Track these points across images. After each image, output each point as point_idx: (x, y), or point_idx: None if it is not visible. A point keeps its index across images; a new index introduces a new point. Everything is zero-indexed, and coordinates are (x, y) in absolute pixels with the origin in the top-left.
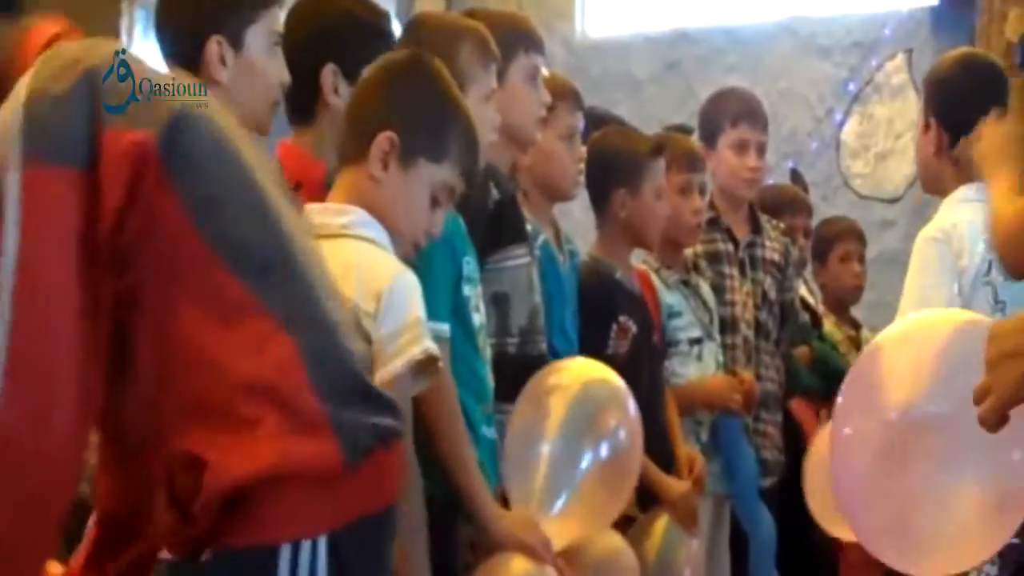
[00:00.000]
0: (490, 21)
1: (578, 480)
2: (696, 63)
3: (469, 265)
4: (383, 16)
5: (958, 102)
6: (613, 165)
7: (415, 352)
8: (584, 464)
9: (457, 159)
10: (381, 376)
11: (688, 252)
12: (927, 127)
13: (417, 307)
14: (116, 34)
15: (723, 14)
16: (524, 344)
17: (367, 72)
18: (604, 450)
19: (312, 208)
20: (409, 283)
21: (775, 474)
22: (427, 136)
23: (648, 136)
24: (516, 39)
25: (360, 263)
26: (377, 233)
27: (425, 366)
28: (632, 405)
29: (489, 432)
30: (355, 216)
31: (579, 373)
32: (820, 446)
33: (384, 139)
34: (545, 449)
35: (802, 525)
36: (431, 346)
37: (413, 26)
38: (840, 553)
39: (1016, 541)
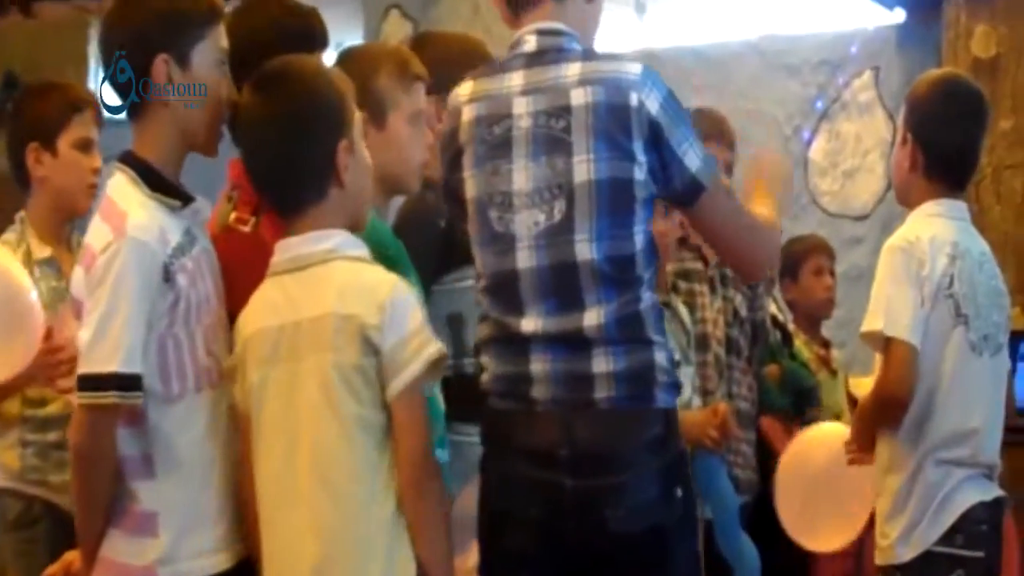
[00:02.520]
0: (442, 44)
1: None
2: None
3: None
4: (311, 15)
5: (934, 121)
6: None
7: (430, 353)
8: None
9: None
10: (400, 382)
11: (668, 272)
12: (904, 142)
13: (419, 312)
14: (84, 58)
15: (690, 35)
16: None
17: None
18: None
19: (291, 242)
20: (406, 291)
21: (749, 493)
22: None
23: None
24: (467, 63)
25: (359, 281)
26: (363, 251)
27: (435, 365)
28: None
29: (442, 454)
30: (339, 239)
31: None
32: (789, 462)
33: (342, 149)
34: None
35: (774, 541)
36: (440, 346)
37: (339, 60)
38: (813, 567)
39: (980, 554)
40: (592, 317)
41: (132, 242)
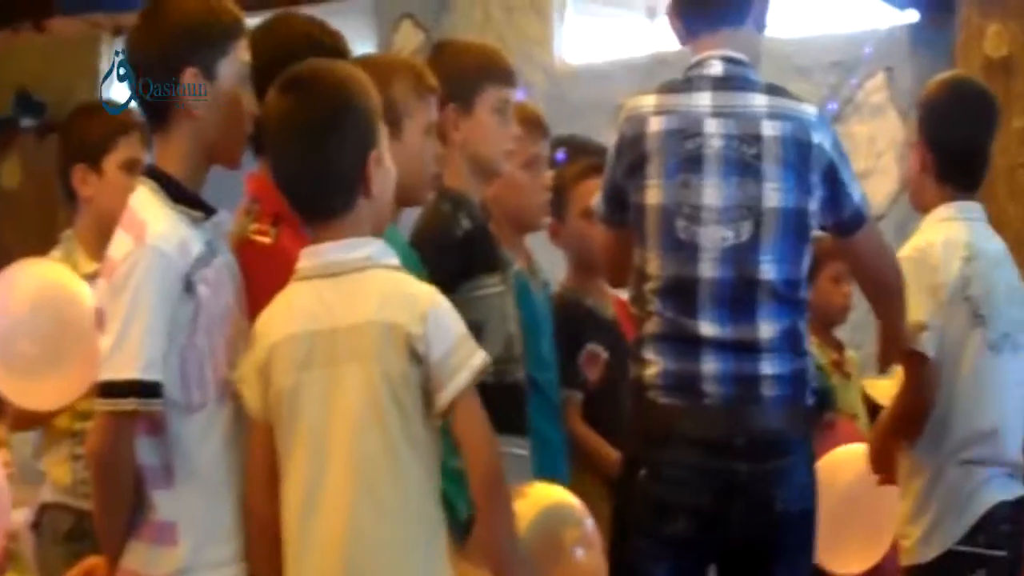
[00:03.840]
0: (459, 54)
1: None
2: None
3: None
4: (340, 38)
5: (944, 123)
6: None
7: (476, 363)
8: None
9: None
10: (451, 391)
11: None
12: (917, 145)
13: (459, 323)
14: (97, 71)
15: None
16: (500, 373)
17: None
18: None
19: (323, 248)
20: (445, 302)
21: None
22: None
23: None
24: (484, 72)
25: (399, 290)
26: (396, 260)
27: (481, 374)
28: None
29: (457, 463)
30: (375, 247)
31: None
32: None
33: (373, 160)
34: None
35: None
36: (485, 355)
37: None
38: None
39: (1003, 554)
40: (766, 330)
41: (152, 251)
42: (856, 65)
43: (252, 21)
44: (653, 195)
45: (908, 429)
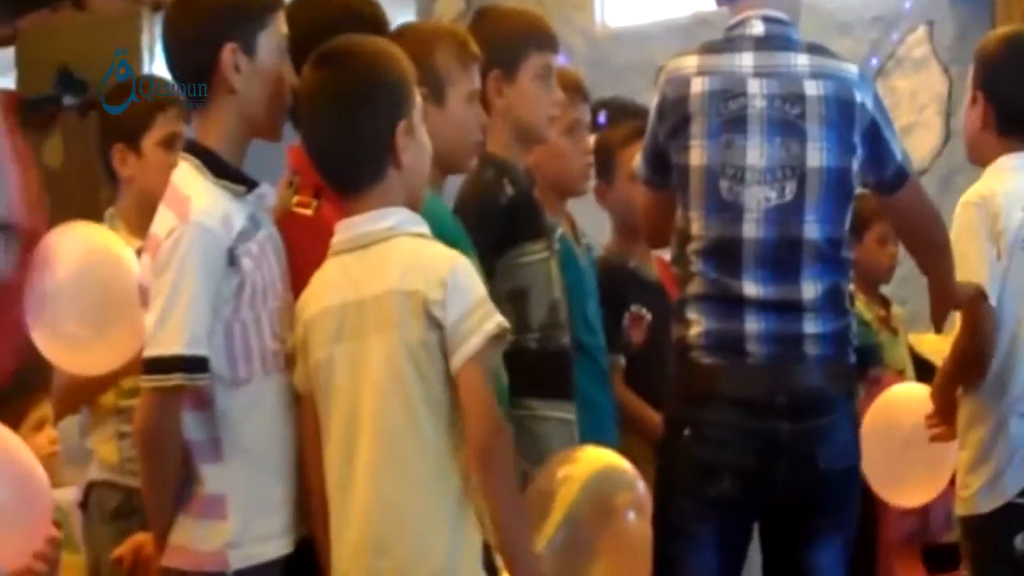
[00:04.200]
0: (502, 20)
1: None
2: None
3: None
4: (378, 6)
5: (1004, 78)
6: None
7: (489, 328)
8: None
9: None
10: (461, 356)
11: None
12: (974, 100)
13: (479, 286)
14: (138, 48)
15: None
16: (545, 339)
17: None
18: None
19: (352, 221)
20: (467, 266)
21: None
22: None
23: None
24: (527, 38)
25: (420, 256)
26: (423, 228)
27: (499, 339)
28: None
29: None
30: (400, 216)
31: (587, 464)
32: (874, 420)
33: (401, 130)
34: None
35: None
36: (501, 319)
37: (393, 36)
38: (882, 525)
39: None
40: (809, 290)
41: (196, 226)
42: (897, 20)
43: None
44: (696, 156)
45: (967, 376)
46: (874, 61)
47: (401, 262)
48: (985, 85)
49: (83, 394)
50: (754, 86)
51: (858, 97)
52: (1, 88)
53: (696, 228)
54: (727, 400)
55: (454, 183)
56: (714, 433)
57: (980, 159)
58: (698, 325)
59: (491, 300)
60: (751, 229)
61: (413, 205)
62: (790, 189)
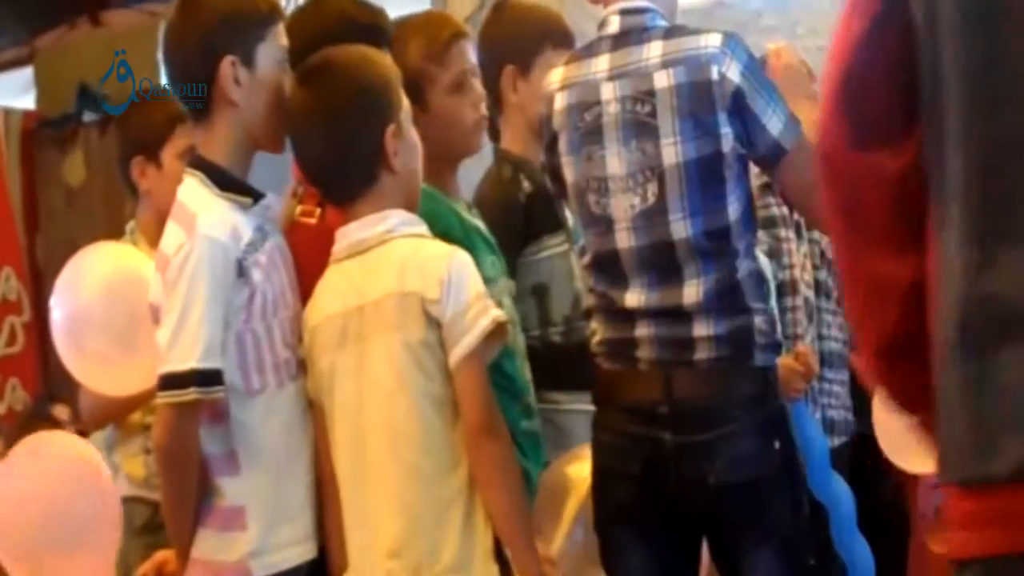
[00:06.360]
0: (518, 16)
1: None
2: (735, 29)
3: (484, 264)
4: (377, 13)
5: None
6: None
7: (484, 324)
8: None
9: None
10: (458, 352)
11: None
12: None
13: (476, 283)
14: (155, 65)
15: None
16: (569, 332)
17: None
18: None
19: (350, 228)
20: (464, 263)
21: (844, 433)
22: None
23: None
24: (544, 35)
25: (417, 257)
26: (421, 228)
27: (497, 333)
28: None
29: (529, 424)
30: (396, 219)
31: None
32: None
33: (390, 135)
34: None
35: (872, 478)
36: (498, 313)
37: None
38: (912, 500)
39: None
40: (691, 292)
41: (204, 240)
42: None
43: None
44: (568, 172)
45: None
46: None
47: (399, 264)
48: None
49: (110, 413)
50: (607, 91)
51: (715, 73)
52: (21, 108)
53: (584, 244)
54: (619, 407)
55: (468, 180)
56: (608, 439)
57: None
58: (597, 334)
59: (515, 296)
60: (624, 239)
61: (410, 206)
62: (652, 192)
